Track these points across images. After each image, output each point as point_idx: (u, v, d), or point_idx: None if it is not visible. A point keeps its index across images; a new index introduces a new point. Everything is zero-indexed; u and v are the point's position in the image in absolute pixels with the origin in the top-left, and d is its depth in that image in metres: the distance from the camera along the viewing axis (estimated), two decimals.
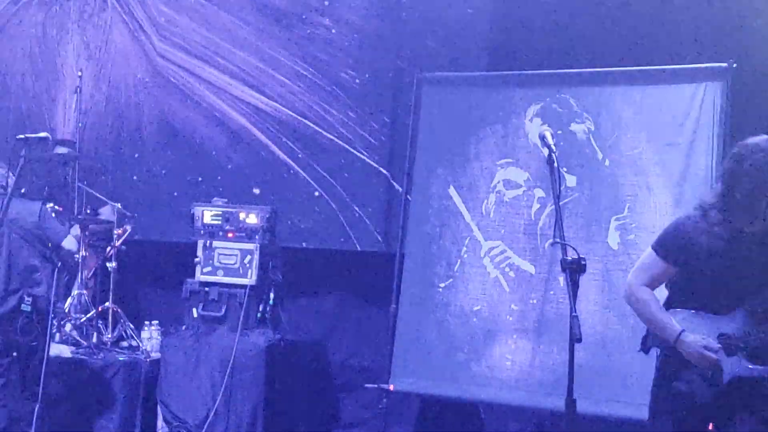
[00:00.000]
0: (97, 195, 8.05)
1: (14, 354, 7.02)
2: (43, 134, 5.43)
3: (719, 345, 4.46)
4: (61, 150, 7.70)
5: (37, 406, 6.91)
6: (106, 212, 8.19)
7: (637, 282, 4.68)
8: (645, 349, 4.78)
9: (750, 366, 4.47)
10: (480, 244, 7.40)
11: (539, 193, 7.26)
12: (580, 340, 4.27)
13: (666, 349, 4.60)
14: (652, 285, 4.68)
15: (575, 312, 4.28)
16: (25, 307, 6.89)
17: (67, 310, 7.85)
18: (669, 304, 4.68)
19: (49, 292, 6.97)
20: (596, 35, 7.75)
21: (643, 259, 4.78)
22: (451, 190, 7.56)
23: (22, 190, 6.49)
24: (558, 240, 4.56)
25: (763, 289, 4.50)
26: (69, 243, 7.03)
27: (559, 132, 6.97)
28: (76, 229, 7.26)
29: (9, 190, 5.13)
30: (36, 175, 6.97)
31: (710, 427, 4.58)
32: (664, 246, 4.68)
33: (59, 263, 7.08)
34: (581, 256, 4.39)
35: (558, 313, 6.91)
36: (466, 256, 7.42)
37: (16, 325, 6.94)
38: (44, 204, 7.13)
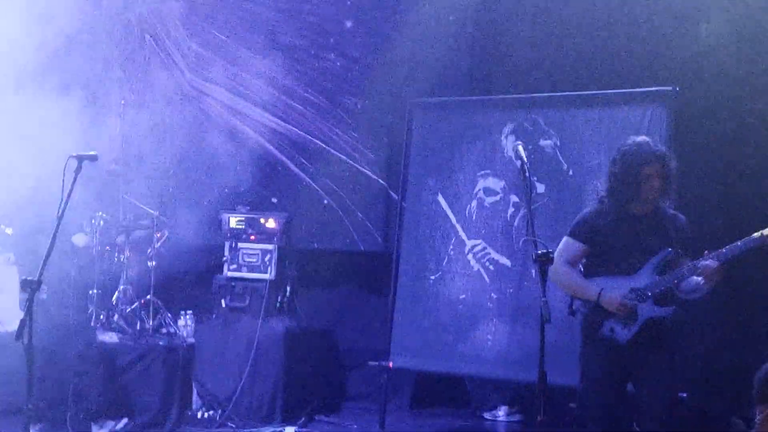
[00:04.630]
0: (140, 204, 8.04)
1: None
2: (92, 152, 5.37)
3: (633, 295, 4.77)
4: (110, 167, 7.70)
5: None
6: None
7: (558, 261, 4.86)
8: (572, 312, 5.04)
9: (658, 308, 4.81)
10: (464, 242, 7.40)
11: (514, 198, 7.25)
12: (549, 321, 4.30)
13: (587, 308, 4.92)
14: (571, 263, 5.02)
15: (545, 297, 4.31)
16: None
17: (114, 303, 7.84)
18: (587, 275, 5.01)
19: None
20: (561, 64, 7.80)
21: (560, 245, 5.08)
22: (440, 198, 7.55)
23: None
24: (530, 238, 4.62)
25: (659, 249, 4.83)
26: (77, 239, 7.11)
27: (530, 147, 6.96)
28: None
29: (62, 203, 5.06)
30: (87, 189, 6.95)
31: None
32: (575, 230, 5.06)
33: None
34: (550, 250, 4.43)
35: (531, 300, 6.90)
36: (452, 253, 7.42)
37: None
38: None
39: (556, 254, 4.84)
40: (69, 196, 5.04)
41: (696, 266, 4.72)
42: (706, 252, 4.75)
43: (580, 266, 5.05)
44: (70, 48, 7.93)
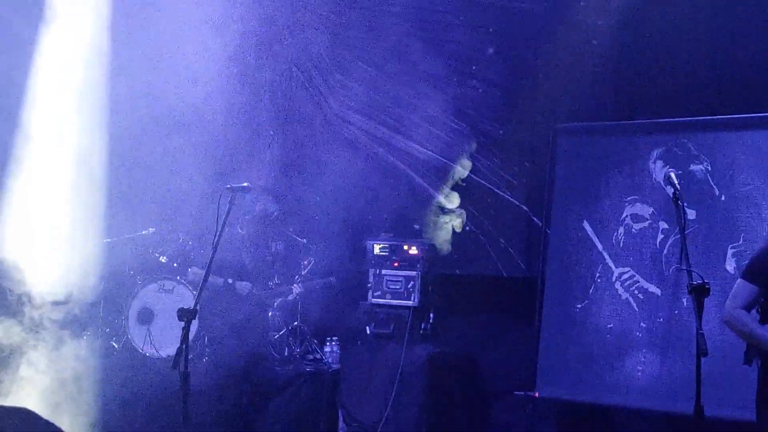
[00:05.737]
0: (288, 232, 8.24)
1: None
2: (244, 184, 5.62)
3: None
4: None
5: None
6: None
7: (733, 306, 4.65)
8: (748, 361, 4.73)
9: None
10: (611, 270, 7.29)
11: (663, 225, 7.12)
12: (706, 354, 4.19)
13: (765, 358, 4.59)
14: (747, 308, 4.66)
15: (701, 329, 4.20)
16: None
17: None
18: (763, 320, 4.67)
19: None
20: (710, 86, 7.59)
21: (735, 288, 4.75)
22: (585, 224, 7.47)
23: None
24: (683, 267, 4.51)
25: None
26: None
27: (680, 172, 6.81)
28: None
29: (219, 230, 5.29)
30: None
31: None
32: (751, 272, 4.67)
33: None
34: (705, 281, 4.31)
35: (683, 330, 6.76)
36: (599, 280, 7.32)
37: None
38: None
39: (730, 297, 4.69)
40: (224, 226, 5.25)
41: None
42: None
43: (757, 309, 4.81)
44: (221, 80, 8.24)
